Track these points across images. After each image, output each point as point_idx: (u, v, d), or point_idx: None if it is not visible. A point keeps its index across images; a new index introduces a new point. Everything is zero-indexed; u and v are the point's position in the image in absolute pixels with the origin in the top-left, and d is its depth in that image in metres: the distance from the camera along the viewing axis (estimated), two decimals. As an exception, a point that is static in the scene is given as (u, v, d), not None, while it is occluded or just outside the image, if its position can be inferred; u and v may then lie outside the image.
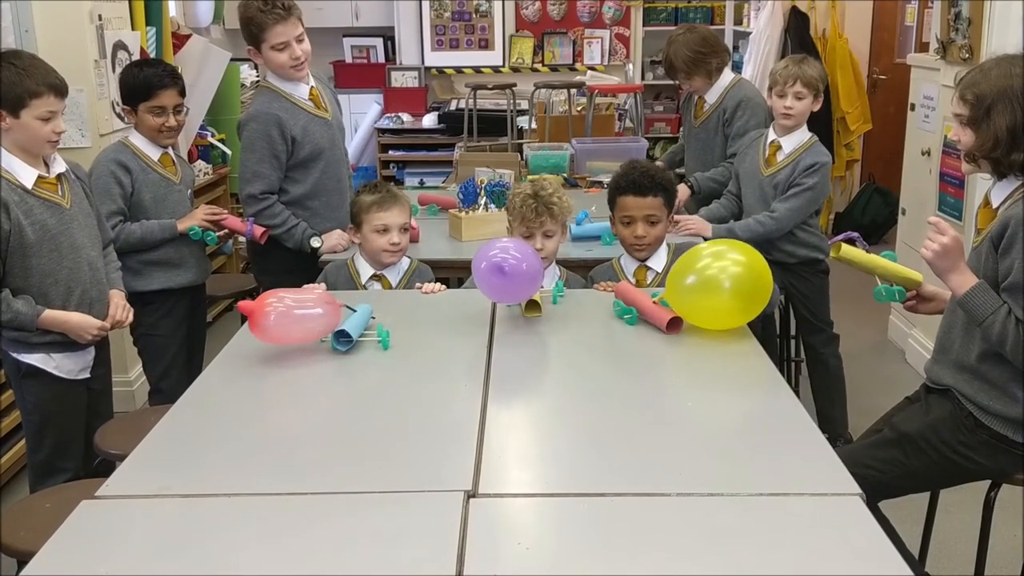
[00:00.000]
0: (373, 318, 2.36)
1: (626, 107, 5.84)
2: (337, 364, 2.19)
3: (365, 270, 2.89)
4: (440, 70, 7.31)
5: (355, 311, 2.32)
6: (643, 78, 7.41)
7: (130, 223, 2.99)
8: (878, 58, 7.00)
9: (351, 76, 7.31)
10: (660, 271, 2.77)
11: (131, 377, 3.99)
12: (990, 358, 2.10)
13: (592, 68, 6.93)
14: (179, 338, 3.17)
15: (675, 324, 2.30)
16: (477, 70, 7.31)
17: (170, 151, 3.12)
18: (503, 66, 7.30)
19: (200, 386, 2.13)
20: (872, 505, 2.24)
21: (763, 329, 3.23)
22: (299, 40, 3.11)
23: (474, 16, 7.23)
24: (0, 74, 2.34)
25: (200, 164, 5.01)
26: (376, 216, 2.80)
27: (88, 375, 2.64)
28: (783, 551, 1.45)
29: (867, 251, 2.31)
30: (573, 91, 5.64)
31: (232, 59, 5.30)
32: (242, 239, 3.40)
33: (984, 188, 2.25)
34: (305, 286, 2.74)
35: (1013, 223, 2.02)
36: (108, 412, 2.79)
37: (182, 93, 3.07)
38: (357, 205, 2.86)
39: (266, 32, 3.05)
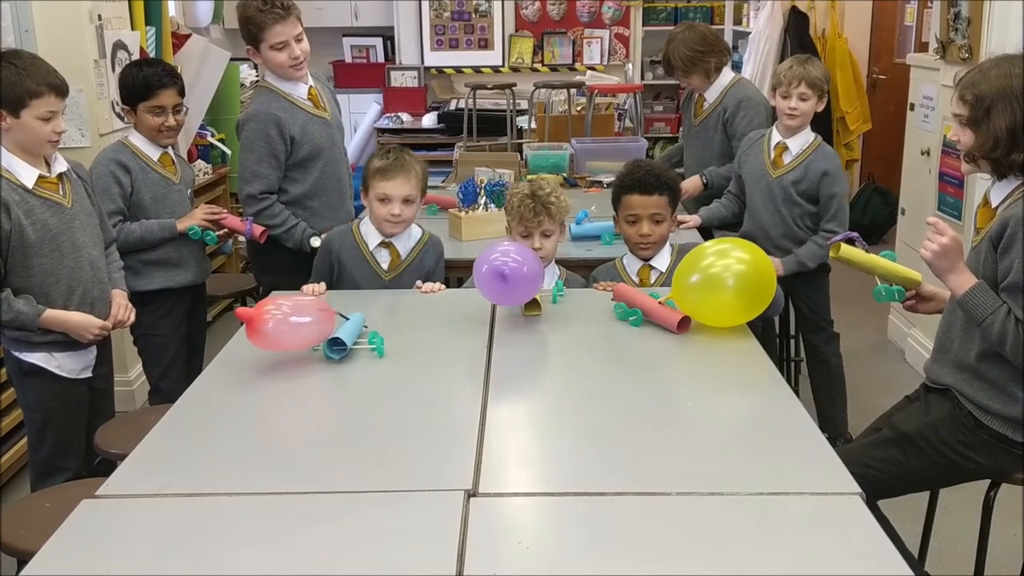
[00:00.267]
0: (366, 327, 2.32)
1: (626, 107, 5.84)
2: (337, 365, 2.19)
3: (372, 238, 2.84)
4: (440, 70, 7.31)
5: (348, 319, 2.28)
6: (643, 78, 7.42)
7: (130, 223, 2.98)
8: (877, 58, 7.00)
9: (351, 76, 7.31)
10: (664, 271, 2.77)
11: (131, 377, 3.99)
12: (989, 357, 2.10)
13: (592, 68, 6.93)
14: (179, 338, 3.16)
15: (684, 324, 2.30)
16: (477, 70, 7.31)
17: (170, 151, 3.11)
18: (503, 66, 7.30)
19: (200, 386, 2.13)
20: (871, 504, 2.24)
21: (763, 329, 3.24)
22: (298, 40, 3.11)
23: (474, 16, 7.23)
24: (0, 74, 2.34)
25: (200, 164, 5.01)
26: (379, 184, 2.76)
27: (90, 374, 2.64)
28: (783, 550, 1.45)
29: (866, 251, 2.32)
30: (573, 91, 5.64)
31: (232, 59, 5.29)
32: (242, 239, 3.40)
33: (983, 188, 2.25)
34: (304, 286, 2.75)
35: (1013, 223, 2.03)
36: (110, 411, 2.79)
37: (181, 93, 3.06)
38: (367, 169, 2.81)
39: (265, 32, 3.05)
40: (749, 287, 2.24)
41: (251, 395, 2.05)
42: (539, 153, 4.46)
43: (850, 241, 2.33)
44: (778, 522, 1.53)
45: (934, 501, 2.57)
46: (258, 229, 3.14)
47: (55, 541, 1.51)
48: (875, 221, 6.24)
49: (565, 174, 4.31)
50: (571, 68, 7.27)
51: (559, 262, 2.90)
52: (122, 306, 2.69)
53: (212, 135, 5.23)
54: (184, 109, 3.10)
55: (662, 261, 2.80)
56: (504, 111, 5.80)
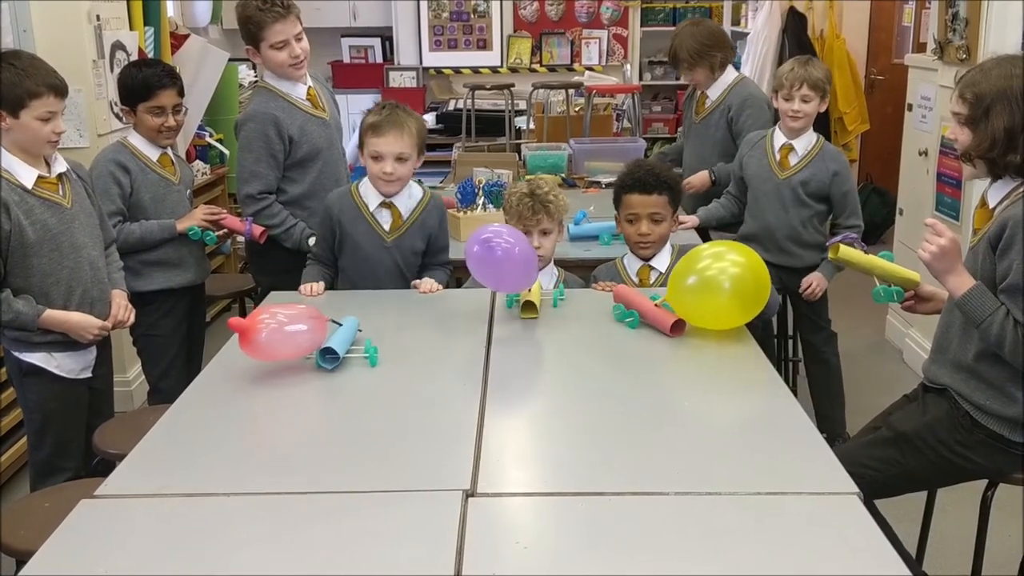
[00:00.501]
0: (360, 330, 2.30)
1: (624, 107, 5.84)
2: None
3: (372, 198, 2.81)
4: (438, 70, 7.31)
5: (341, 325, 2.25)
6: (641, 78, 7.42)
7: (129, 223, 2.98)
8: (875, 58, 7.01)
9: (349, 76, 7.31)
10: (664, 271, 2.77)
11: (130, 377, 3.99)
12: (987, 358, 2.11)
13: (590, 68, 6.93)
14: (179, 338, 3.16)
15: (678, 327, 2.30)
16: (475, 70, 7.31)
17: (169, 151, 3.11)
18: (501, 66, 7.30)
19: (198, 386, 2.13)
20: (868, 504, 2.25)
21: (761, 330, 3.24)
22: (298, 39, 3.10)
23: (472, 16, 7.23)
24: (0, 74, 2.34)
25: (198, 164, 5.00)
26: (371, 141, 2.70)
27: (89, 374, 2.65)
28: (781, 550, 1.45)
29: (865, 252, 2.32)
30: (571, 91, 5.64)
31: (230, 59, 5.29)
32: (240, 239, 3.40)
33: (981, 188, 2.26)
34: (302, 286, 2.76)
35: (1011, 224, 2.03)
36: (109, 412, 2.79)
37: (181, 93, 3.06)
38: (361, 125, 2.77)
39: (265, 31, 3.04)
40: (744, 290, 2.24)
41: (250, 395, 2.05)
42: (537, 153, 4.47)
43: (849, 242, 2.33)
44: (776, 522, 1.53)
45: (932, 501, 2.58)
46: (258, 229, 3.14)
47: (54, 541, 1.51)
48: (873, 221, 6.24)
49: (563, 174, 4.32)
50: (569, 68, 7.28)
51: (558, 262, 2.90)
52: (122, 306, 2.69)
53: (210, 135, 5.23)
54: (183, 109, 3.10)
55: (662, 262, 2.80)
56: (502, 111, 5.80)
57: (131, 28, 4.11)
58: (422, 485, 1.65)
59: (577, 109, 5.62)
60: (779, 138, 3.36)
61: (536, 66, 7.29)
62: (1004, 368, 2.08)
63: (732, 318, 2.29)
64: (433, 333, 2.40)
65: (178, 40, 4.82)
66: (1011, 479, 2.21)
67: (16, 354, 2.53)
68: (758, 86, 4.11)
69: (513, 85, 5.89)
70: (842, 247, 2.32)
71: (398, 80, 7.22)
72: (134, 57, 4.01)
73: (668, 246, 2.84)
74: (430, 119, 6.74)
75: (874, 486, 2.18)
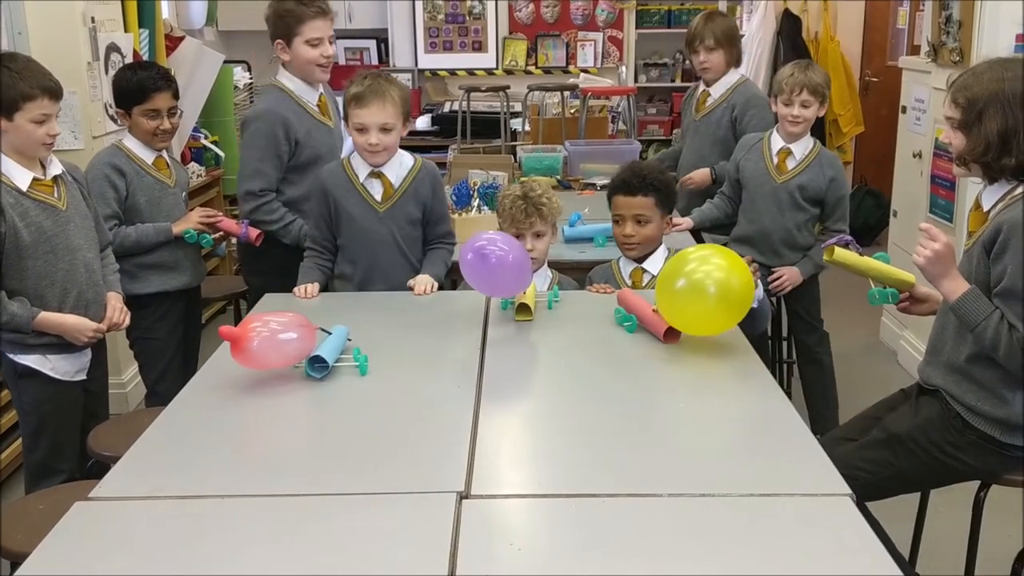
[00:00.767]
0: (350, 340, 2.28)
1: (619, 109, 5.85)
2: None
3: (362, 169, 2.79)
4: (433, 72, 7.31)
5: (330, 333, 2.22)
6: (636, 80, 7.43)
7: (125, 227, 2.97)
8: (870, 60, 7.03)
9: (344, 78, 7.23)
10: (656, 274, 2.77)
11: (124, 379, 3.99)
12: (979, 360, 2.12)
13: (585, 70, 6.94)
14: (175, 341, 3.16)
15: (672, 335, 2.28)
16: (470, 72, 7.31)
17: (164, 154, 3.11)
18: (496, 68, 7.31)
19: (193, 388, 2.13)
20: (861, 506, 2.25)
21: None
22: (331, 41, 3.13)
23: (467, 18, 7.24)
24: None
25: (193, 166, 5.00)
26: (354, 112, 2.68)
27: (84, 377, 2.64)
28: (774, 551, 1.46)
29: (860, 254, 2.33)
30: (566, 93, 5.65)
31: (225, 61, 5.30)
32: (235, 241, 3.39)
33: (975, 191, 2.27)
34: (296, 288, 2.75)
35: (1006, 228, 2.03)
36: (104, 414, 2.79)
37: (176, 96, 3.07)
38: (344, 96, 2.74)
39: (303, 25, 3.07)
40: (729, 295, 2.18)
41: (244, 398, 2.05)
42: (533, 155, 4.47)
43: (844, 244, 2.34)
44: (769, 523, 1.54)
45: (925, 501, 2.58)
46: (254, 232, 3.13)
47: (48, 543, 1.51)
48: (867, 223, 6.27)
49: (559, 176, 4.33)
50: (565, 71, 7.28)
51: (552, 264, 2.91)
52: (117, 309, 2.68)
53: (206, 137, 5.23)
54: (178, 112, 3.10)
55: (655, 264, 2.80)
56: (498, 113, 5.82)
57: (126, 30, 4.11)
58: (416, 487, 1.65)
59: (572, 111, 5.62)
60: (777, 142, 3.37)
61: (531, 68, 7.30)
62: (995, 370, 2.09)
63: (718, 323, 2.26)
64: (428, 335, 2.40)
65: (173, 42, 4.83)
66: (1003, 480, 2.22)
67: (11, 356, 2.53)
68: (759, 87, 4.13)
69: (508, 87, 5.90)
70: (837, 249, 2.32)
71: (393, 82, 7.20)
72: (129, 59, 4.01)
73: (663, 249, 2.84)
74: (425, 121, 6.74)
75: (867, 488, 2.19)
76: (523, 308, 2.45)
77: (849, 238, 2.38)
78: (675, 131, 6.96)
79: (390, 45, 7.25)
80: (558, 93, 5.65)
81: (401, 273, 2.83)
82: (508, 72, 7.29)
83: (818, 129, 5.93)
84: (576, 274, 2.97)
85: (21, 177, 2.44)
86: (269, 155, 3.10)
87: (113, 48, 3.93)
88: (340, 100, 3.24)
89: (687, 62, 7.65)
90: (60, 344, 2.53)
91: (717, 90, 3.85)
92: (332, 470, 1.74)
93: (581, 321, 2.48)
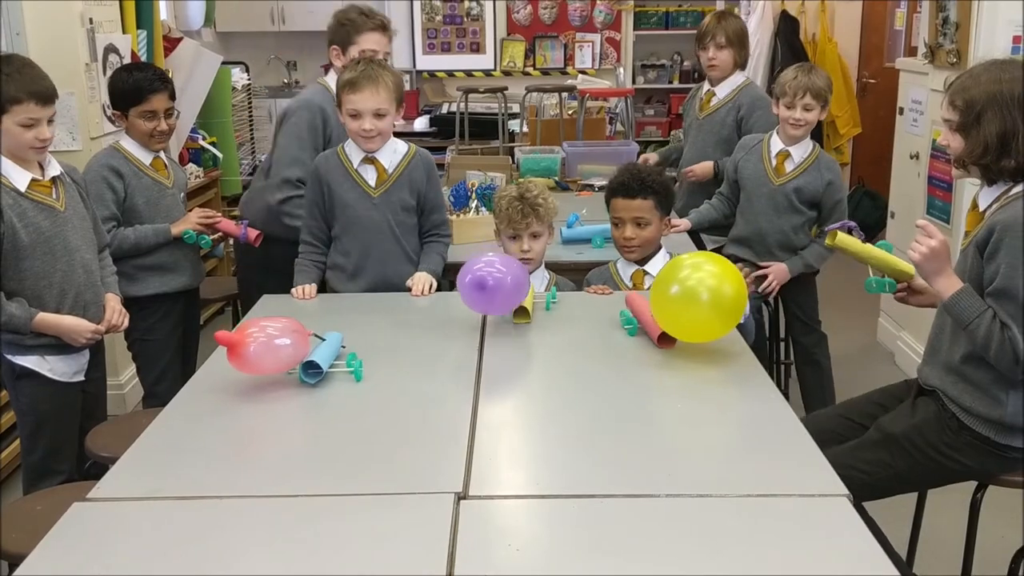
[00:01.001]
0: (344, 347, 2.25)
1: (617, 111, 5.86)
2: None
3: (355, 155, 2.78)
4: (432, 73, 7.32)
5: (324, 339, 2.21)
6: (634, 82, 7.44)
7: (124, 228, 2.97)
8: (867, 62, 7.04)
9: (342, 79, 7.29)
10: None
11: (122, 380, 3.99)
12: (973, 360, 2.12)
13: (583, 72, 6.95)
14: (174, 342, 3.15)
15: (666, 340, 2.26)
16: (468, 73, 7.32)
17: (162, 155, 3.10)
18: (494, 70, 7.32)
19: (191, 389, 2.13)
20: (858, 506, 2.25)
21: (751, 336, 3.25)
22: (386, 57, 3.18)
23: (465, 20, 7.25)
24: None
25: (191, 167, 5.00)
26: (347, 98, 2.67)
27: (82, 378, 2.64)
28: (771, 552, 1.46)
29: (863, 241, 2.33)
30: (564, 95, 5.65)
31: (223, 62, 5.30)
32: (232, 241, 3.40)
33: (972, 192, 2.27)
34: (294, 289, 2.76)
35: (999, 229, 2.04)
36: (102, 416, 2.78)
37: (172, 96, 3.05)
38: (338, 82, 2.74)
39: (360, 36, 3.16)
40: (722, 302, 2.16)
41: (242, 399, 2.05)
42: (530, 156, 4.47)
43: (847, 230, 2.35)
44: (766, 524, 1.54)
45: (922, 502, 2.59)
46: (252, 233, 3.13)
47: (46, 544, 1.51)
48: (865, 224, 6.21)
49: (556, 177, 4.33)
50: (563, 72, 7.30)
51: (550, 266, 2.91)
52: (116, 310, 2.68)
53: (204, 138, 5.22)
54: (175, 113, 3.09)
55: (656, 267, 2.80)
56: (496, 115, 5.82)
57: (124, 31, 4.11)
58: (414, 488, 1.66)
59: (570, 112, 5.63)
60: (776, 144, 3.37)
61: (529, 69, 7.31)
62: (989, 371, 2.10)
63: (711, 330, 2.23)
64: (426, 336, 2.41)
65: (171, 43, 4.83)
66: (999, 481, 2.23)
67: (9, 357, 2.52)
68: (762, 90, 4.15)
69: (506, 88, 5.90)
70: (839, 234, 2.33)
71: (391, 83, 7.21)
72: (127, 60, 4.01)
73: (664, 252, 2.85)
74: (423, 122, 6.75)
75: (864, 488, 2.19)
76: (521, 310, 2.45)
77: (853, 224, 2.39)
78: (673, 132, 6.96)
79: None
80: (556, 94, 5.65)
81: (395, 261, 2.82)
82: (506, 73, 7.30)
83: (816, 130, 5.93)
84: (574, 275, 2.97)
85: (19, 178, 2.44)
86: (308, 146, 3.12)
87: (111, 49, 3.93)
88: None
89: (685, 63, 7.67)
90: (58, 345, 2.53)
91: (723, 90, 3.86)
92: (330, 471, 1.74)
93: (579, 322, 2.49)
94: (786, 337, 3.77)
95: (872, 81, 6.92)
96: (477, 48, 7.30)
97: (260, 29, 7.30)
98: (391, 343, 2.37)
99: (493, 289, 2.30)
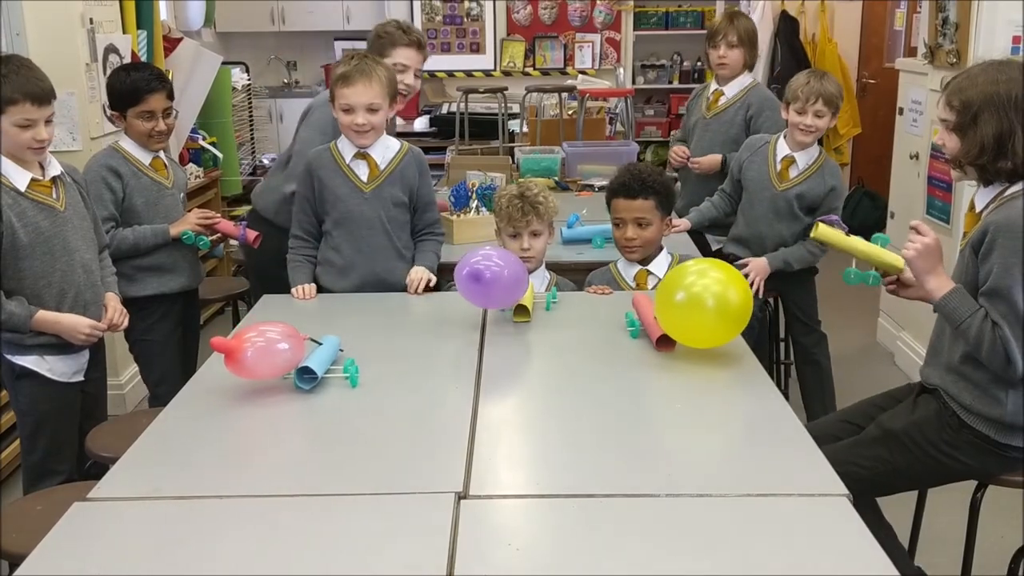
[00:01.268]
0: (342, 350, 2.24)
1: (617, 111, 5.86)
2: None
3: (348, 150, 2.79)
4: (431, 73, 7.32)
5: (321, 343, 2.18)
6: (634, 82, 7.44)
7: (123, 229, 2.96)
8: (867, 62, 7.04)
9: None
10: (662, 276, 2.77)
11: (122, 380, 3.99)
12: (973, 360, 2.12)
13: (583, 72, 6.96)
14: (174, 343, 3.14)
15: (665, 343, 2.25)
16: (468, 74, 7.33)
17: (161, 155, 3.09)
18: (494, 70, 7.32)
19: (191, 390, 2.13)
20: (866, 503, 2.26)
21: (753, 331, 3.25)
22: (417, 75, 3.25)
23: (465, 20, 7.25)
24: None
25: (191, 167, 5.00)
26: (340, 92, 2.67)
27: (82, 378, 2.64)
28: (771, 551, 1.46)
29: (847, 234, 2.34)
30: (564, 95, 5.66)
31: (223, 62, 5.30)
32: (233, 242, 3.40)
33: (972, 192, 2.27)
34: (294, 289, 2.76)
35: (992, 229, 2.04)
36: (102, 416, 2.77)
37: (170, 96, 3.03)
38: (331, 77, 2.74)
39: (395, 49, 3.18)
40: (727, 308, 2.16)
41: (242, 400, 2.05)
42: (530, 156, 4.48)
43: (831, 223, 2.36)
44: (766, 523, 1.54)
45: (922, 501, 2.59)
46: (251, 234, 3.12)
47: (47, 543, 1.51)
48: (864, 224, 6.27)
49: (556, 177, 4.33)
50: (562, 72, 7.30)
51: (550, 266, 2.91)
52: (116, 309, 2.68)
53: (204, 138, 5.23)
54: (174, 113, 3.07)
55: (660, 267, 2.81)
56: (496, 115, 5.82)
57: (124, 31, 4.11)
58: (414, 487, 1.66)
59: (570, 112, 5.63)
60: (782, 148, 3.35)
61: (529, 69, 7.31)
62: (989, 371, 2.10)
63: (716, 336, 2.23)
64: (426, 336, 2.41)
65: (171, 43, 4.83)
66: (1000, 481, 2.23)
67: (8, 357, 2.52)
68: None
69: (506, 88, 5.91)
70: (822, 226, 2.33)
71: (391, 83, 7.21)
72: (127, 60, 4.00)
73: (666, 252, 2.85)
74: (423, 122, 6.76)
75: (863, 484, 2.19)
76: (521, 309, 2.45)
77: (836, 217, 2.40)
78: (672, 132, 6.97)
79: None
80: (556, 94, 5.66)
81: (385, 257, 2.81)
82: (506, 73, 7.30)
83: (815, 130, 5.94)
84: (575, 275, 2.98)
85: (19, 177, 2.43)
86: (331, 141, 3.12)
87: (111, 49, 3.93)
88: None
89: (684, 63, 7.68)
90: (57, 345, 2.53)
91: (731, 90, 3.85)
92: (330, 471, 1.74)
93: (579, 322, 2.49)
94: (786, 337, 3.77)
95: (872, 81, 6.92)
96: (477, 48, 7.30)
97: (260, 29, 7.31)
98: (391, 343, 2.37)
99: (490, 282, 2.30)
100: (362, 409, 2.01)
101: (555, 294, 2.63)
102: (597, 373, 2.18)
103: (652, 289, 2.76)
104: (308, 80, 7.74)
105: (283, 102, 7.39)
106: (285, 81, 7.77)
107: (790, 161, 3.33)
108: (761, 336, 3.57)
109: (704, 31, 7.14)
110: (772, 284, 3.38)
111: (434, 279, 2.79)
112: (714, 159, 3.83)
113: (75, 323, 2.52)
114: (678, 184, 3.88)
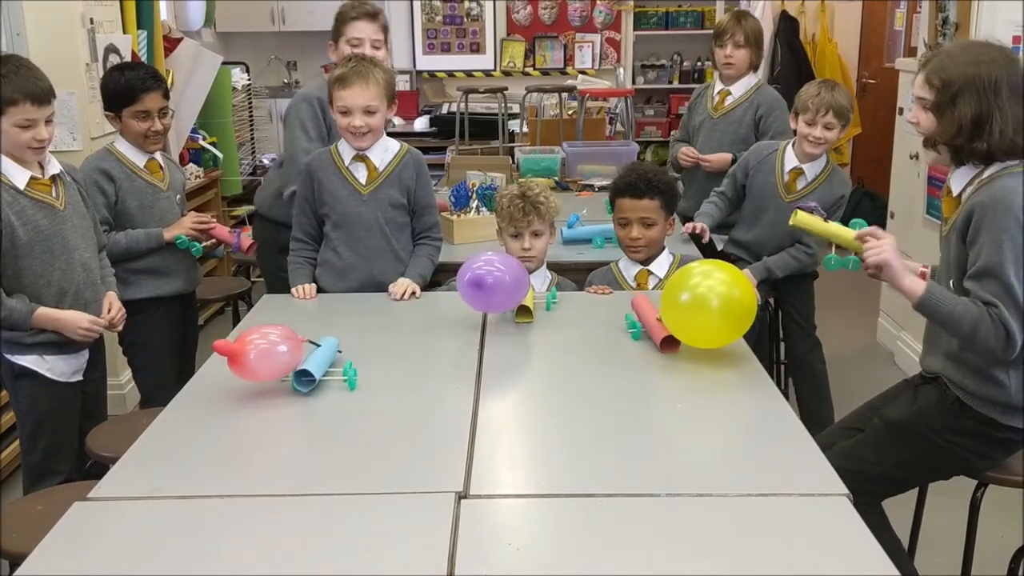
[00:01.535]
0: (340, 352, 2.24)
1: (617, 111, 5.87)
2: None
3: (347, 152, 2.79)
4: (432, 74, 7.33)
5: (319, 345, 2.17)
6: (634, 82, 7.44)
7: (115, 233, 2.91)
8: (867, 62, 7.04)
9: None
10: (663, 277, 2.77)
11: (122, 380, 3.99)
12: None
13: (583, 72, 6.96)
14: (171, 347, 3.10)
15: (669, 344, 2.25)
16: (468, 74, 7.33)
17: (157, 156, 3.03)
18: (494, 70, 7.32)
19: (191, 390, 2.13)
20: (873, 504, 2.25)
21: (754, 331, 3.25)
22: (375, 45, 3.23)
23: (465, 20, 7.25)
24: None
25: (192, 167, 5.01)
26: (338, 95, 2.67)
27: (81, 378, 2.64)
28: (771, 551, 1.46)
29: (825, 220, 2.35)
30: (564, 95, 5.66)
31: (223, 62, 5.31)
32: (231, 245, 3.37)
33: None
34: (294, 289, 2.76)
35: (978, 211, 2.03)
36: (102, 415, 2.77)
37: (166, 95, 2.98)
38: (329, 79, 2.75)
39: (347, 25, 3.21)
40: (731, 309, 2.17)
41: (243, 400, 2.05)
42: (531, 156, 4.48)
43: (809, 210, 2.36)
44: (766, 523, 1.54)
45: (922, 501, 2.59)
46: (246, 242, 3.09)
47: (47, 543, 1.51)
48: (865, 224, 6.27)
49: (556, 178, 4.33)
50: (563, 72, 7.30)
51: (551, 266, 2.91)
52: (116, 308, 2.68)
53: (204, 138, 5.23)
54: (170, 112, 3.02)
55: (660, 267, 2.81)
56: (496, 115, 5.83)
57: (124, 31, 4.12)
58: (415, 487, 1.66)
59: (570, 112, 5.63)
60: (790, 159, 3.33)
61: (529, 69, 7.32)
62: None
63: (721, 336, 2.23)
64: (426, 336, 2.41)
65: (171, 43, 4.83)
66: (1000, 480, 2.23)
67: (8, 357, 2.52)
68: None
69: (506, 88, 5.91)
70: (800, 213, 2.34)
71: (391, 83, 7.22)
72: (128, 60, 4.00)
73: (667, 253, 2.85)
74: (423, 122, 6.76)
75: (872, 483, 2.20)
76: (523, 310, 2.45)
77: (813, 204, 2.40)
78: (672, 133, 6.97)
79: (388, 46, 7.24)
80: (556, 94, 5.66)
81: (383, 259, 2.81)
82: (506, 73, 7.30)
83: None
84: (575, 275, 2.98)
85: (18, 176, 2.43)
86: (315, 136, 3.18)
87: (112, 49, 3.93)
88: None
89: (684, 63, 7.68)
90: (57, 344, 2.53)
91: (738, 89, 3.84)
92: (331, 471, 1.74)
93: (580, 322, 2.49)
94: (784, 338, 3.77)
95: (872, 81, 6.92)
96: (477, 48, 7.30)
97: (260, 29, 7.30)
98: (392, 343, 2.37)
99: (491, 288, 2.31)
100: (362, 409, 2.01)
101: (555, 294, 2.63)
102: (597, 373, 2.18)
103: (652, 289, 2.76)
104: (308, 80, 7.74)
105: (283, 102, 7.35)
106: (285, 81, 7.77)
107: (798, 173, 3.31)
108: (761, 336, 3.56)
109: (704, 31, 7.20)
110: (771, 286, 3.37)
111: (419, 292, 2.75)
112: (724, 158, 3.82)
113: (75, 318, 2.52)
114: (680, 184, 3.88)
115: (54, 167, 2.53)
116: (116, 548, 1.50)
